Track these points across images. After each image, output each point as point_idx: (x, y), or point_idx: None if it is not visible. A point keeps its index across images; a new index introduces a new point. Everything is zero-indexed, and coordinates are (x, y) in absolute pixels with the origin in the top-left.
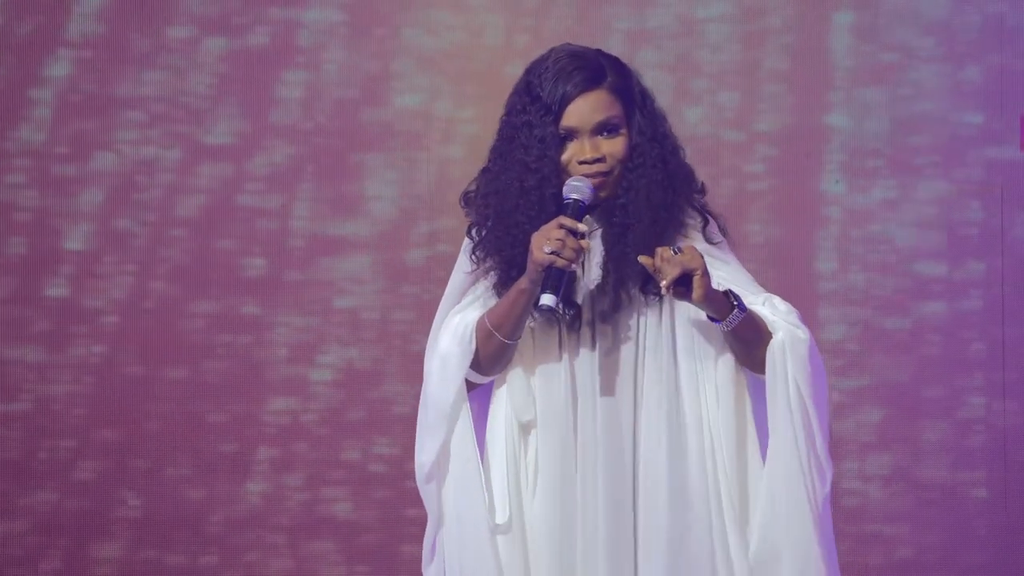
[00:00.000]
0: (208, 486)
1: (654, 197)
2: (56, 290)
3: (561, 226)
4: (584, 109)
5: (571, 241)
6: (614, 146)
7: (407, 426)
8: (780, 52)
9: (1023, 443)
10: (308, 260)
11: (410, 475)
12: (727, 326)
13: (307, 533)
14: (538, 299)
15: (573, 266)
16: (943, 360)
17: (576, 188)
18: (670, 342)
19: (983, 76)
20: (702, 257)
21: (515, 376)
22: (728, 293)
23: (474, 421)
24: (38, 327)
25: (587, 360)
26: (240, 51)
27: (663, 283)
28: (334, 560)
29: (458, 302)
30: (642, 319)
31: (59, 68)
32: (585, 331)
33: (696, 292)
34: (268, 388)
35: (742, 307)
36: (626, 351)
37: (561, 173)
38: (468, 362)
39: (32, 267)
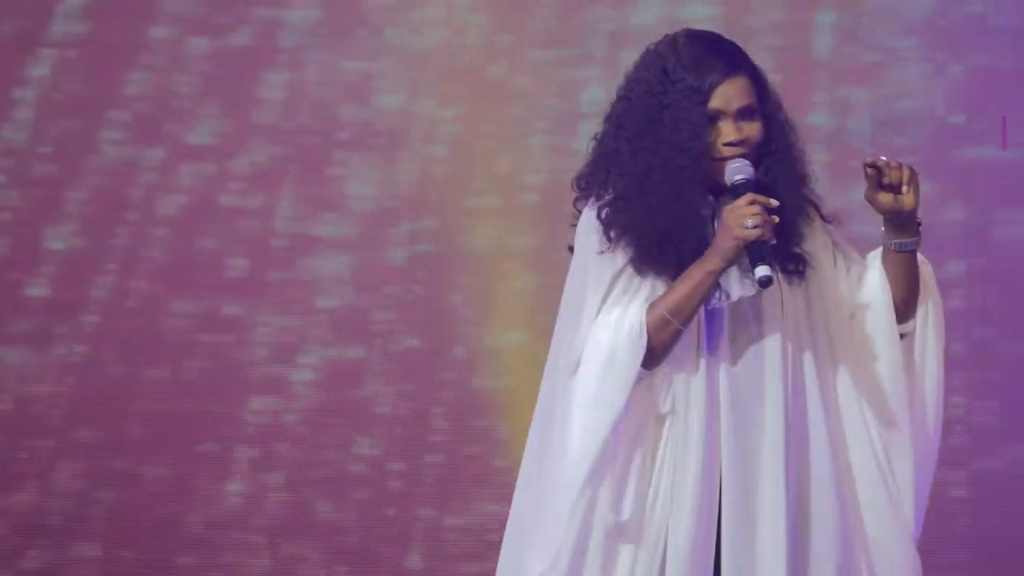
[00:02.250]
0: (188, 486)
1: (792, 179)
2: (37, 290)
3: (754, 202)
4: (730, 93)
5: (765, 215)
6: (753, 130)
7: (388, 426)
8: (763, 52)
9: (1003, 443)
10: (290, 260)
11: (390, 475)
12: (911, 246)
13: (287, 534)
14: (728, 278)
15: (773, 239)
16: None
17: (741, 169)
18: (818, 325)
19: (966, 76)
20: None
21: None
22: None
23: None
24: (19, 327)
25: (724, 347)
26: (222, 51)
27: (898, 181)
28: (314, 561)
29: (607, 290)
30: (786, 303)
31: (41, 68)
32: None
33: (909, 199)
34: (249, 388)
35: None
36: (771, 337)
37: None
38: (640, 358)
39: (13, 267)
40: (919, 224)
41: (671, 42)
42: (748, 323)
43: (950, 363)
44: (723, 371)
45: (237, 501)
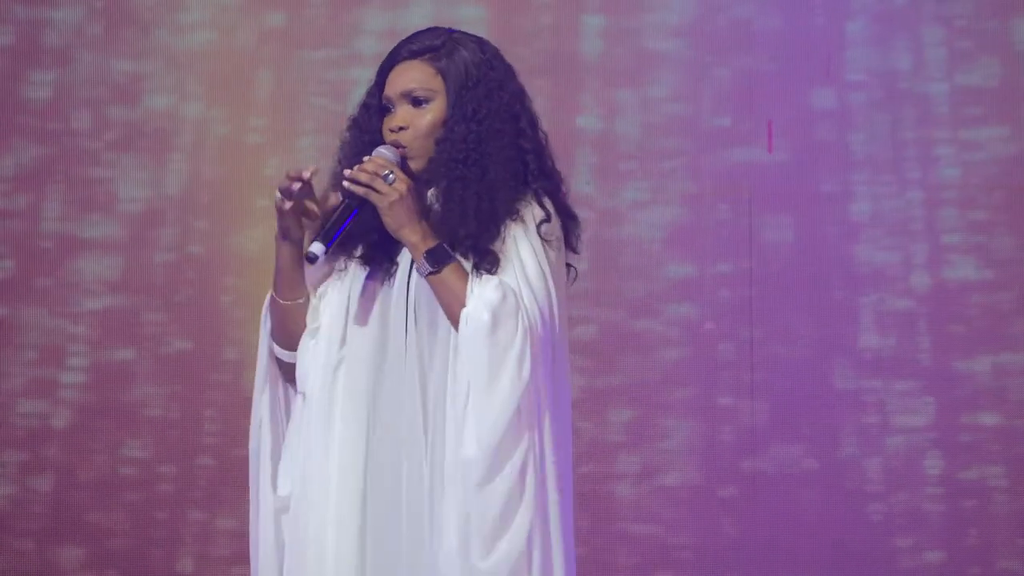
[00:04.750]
0: None
1: (454, 175)
2: None
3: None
4: (394, 78)
5: (286, 185)
6: (418, 117)
7: (158, 429)
8: (533, 55)
9: (770, 441)
10: (57, 261)
11: (161, 478)
12: (420, 269)
13: (56, 537)
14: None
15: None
16: (693, 360)
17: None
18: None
19: (731, 79)
20: (407, 189)
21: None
22: (434, 250)
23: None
24: None
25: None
26: None
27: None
28: (82, 566)
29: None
30: (414, 293)
31: None
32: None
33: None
34: (16, 391)
35: (425, 269)
36: (394, 325)
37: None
38: (264, 336)
39: None
40: (432, 254)
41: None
42: (372, 308)
43: (718, 363)
44: (350, 351)
45: (5, 504)
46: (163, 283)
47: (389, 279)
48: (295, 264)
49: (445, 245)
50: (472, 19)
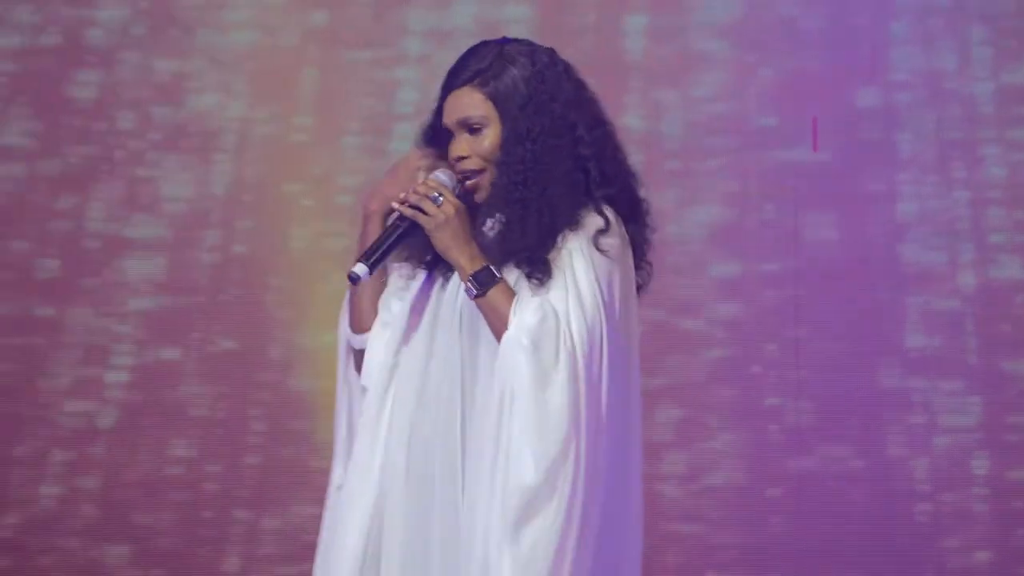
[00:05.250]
0: (0, 489)
1: (513, 198)
2: None
3: None
4: (449, 107)
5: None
6: (476, 144)
7: (203, 428)
8: (577, 55)
9: (816, 441)
10: (103, 261)
11: (206, 477)
12: (468, 292)
13: (102, 537)
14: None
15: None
16: (738, 360)
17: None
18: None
19: (776, 78)
20: (455, 212)
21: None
22: (480, 272)
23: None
24: None
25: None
26: (31, 50)
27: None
28: (128, 564)
29: None
30: (465, 305)
31: None
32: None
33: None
34: (62, 390)
35: (471, 292)
36: (442, 334)
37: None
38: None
39: None
40: (478, 276)
41: None
42: (423, 317)
43: (763, 362)
44: (403, 355)
45: (51, 503)
46: (208, 283)
47: (444, 286)
48: (375, 292)
49: (492, 267)
50: (516, 19)
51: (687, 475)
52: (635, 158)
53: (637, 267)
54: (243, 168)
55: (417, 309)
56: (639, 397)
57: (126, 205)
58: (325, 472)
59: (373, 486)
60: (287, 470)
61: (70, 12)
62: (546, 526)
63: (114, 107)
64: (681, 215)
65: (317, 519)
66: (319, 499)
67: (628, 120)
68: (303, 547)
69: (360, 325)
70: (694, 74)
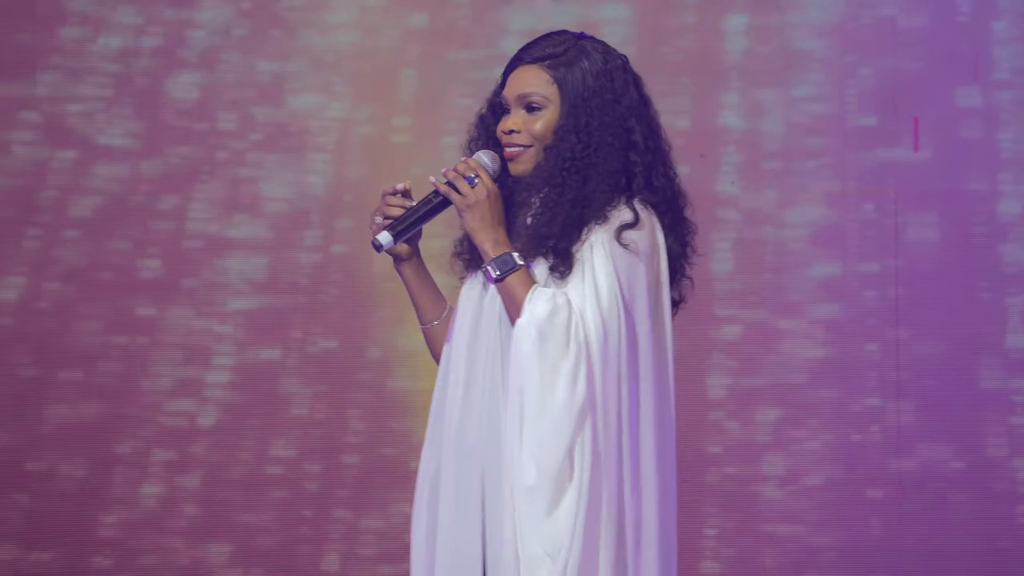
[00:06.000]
0: (103, 488)
1: (554, 183)
2: None
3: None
4: (510, 83)
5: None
6: (530, 122)
7: (303, 428)
8: (676, 54)
9: (917, 443)
10: (203, 261)
11: (306, 477)
12: (486, 276)
13: (203, 536)
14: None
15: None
16: (838, 360)
17: (478, 156)
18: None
19: (876, 78)
20: (486, 195)
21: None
22: (500, 258)
23: None
24: None
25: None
26: (134, 51)
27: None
28: (229, 563)
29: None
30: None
31: None
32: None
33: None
34: (164, 390)
35: (490, 276)
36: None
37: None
38: None
39: None
40: (499, 260)
41: None
42: (470, 305)
43: (863, 363)
44: (453, 336)
45: (153, 503)
46: (308, 283)
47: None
48: (422, 282)
49: (513, 254)
50: (617, 19)
51: (786, 476)
52: (735, 158)
53: (673, 280)
54: (343, 168)
55: (470, 297)
56: (671, 393)
57: (227, 205)
58: None
59: (433, 465)
60: (386, 470)
61: (172, 13)
62: (559, 514)
63: (215, 108)
64: (780, 215)
65: None
66: None
67: (727, 120)
68: (402, 547)
69: (422, 317)
70: (794, 74)
